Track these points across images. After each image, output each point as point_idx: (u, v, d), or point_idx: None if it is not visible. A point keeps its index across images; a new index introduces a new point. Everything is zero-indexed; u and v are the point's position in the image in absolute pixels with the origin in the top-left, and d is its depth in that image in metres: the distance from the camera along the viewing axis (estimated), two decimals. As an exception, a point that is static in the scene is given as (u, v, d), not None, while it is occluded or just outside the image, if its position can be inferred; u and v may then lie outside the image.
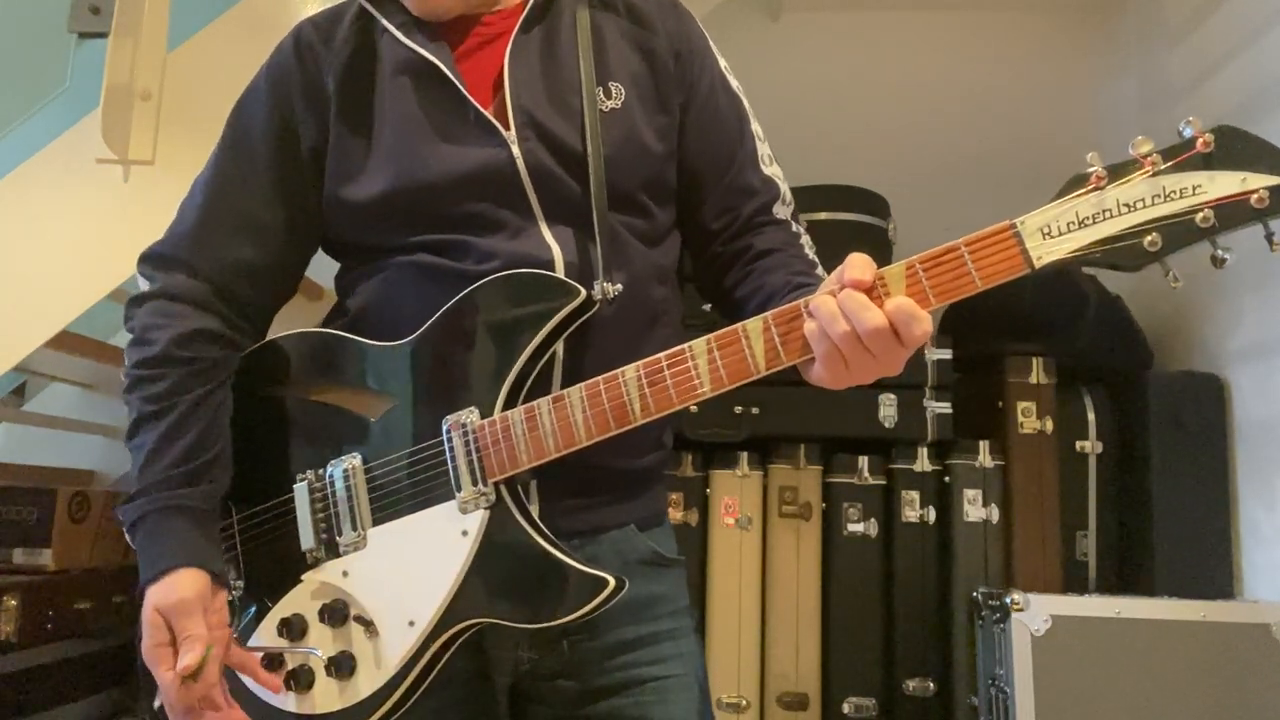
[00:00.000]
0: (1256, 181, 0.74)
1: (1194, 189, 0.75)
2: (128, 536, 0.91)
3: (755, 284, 0.97)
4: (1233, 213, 0.75)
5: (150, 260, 0.99)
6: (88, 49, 1.87)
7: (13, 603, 1.78)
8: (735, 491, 2.08)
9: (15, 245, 1.77)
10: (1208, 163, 0.75)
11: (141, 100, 1.76)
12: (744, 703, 2.00)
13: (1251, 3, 2.20)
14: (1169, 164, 0.76)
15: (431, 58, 0.96)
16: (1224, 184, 0.75)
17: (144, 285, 0.98)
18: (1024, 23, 3.07)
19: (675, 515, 2.07)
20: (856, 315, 0.77)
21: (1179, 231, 0.75)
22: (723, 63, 1.08)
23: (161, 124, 1.77)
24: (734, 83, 1.08)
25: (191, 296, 0.96)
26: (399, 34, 0.97)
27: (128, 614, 2.06)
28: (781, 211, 1.05)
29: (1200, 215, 0.75)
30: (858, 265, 0.79)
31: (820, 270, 1.00)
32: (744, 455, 2.09)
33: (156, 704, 0.86)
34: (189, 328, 0.95)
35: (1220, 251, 0.76)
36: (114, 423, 2.65)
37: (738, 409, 2.11)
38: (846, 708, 2.00)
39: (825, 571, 2.08)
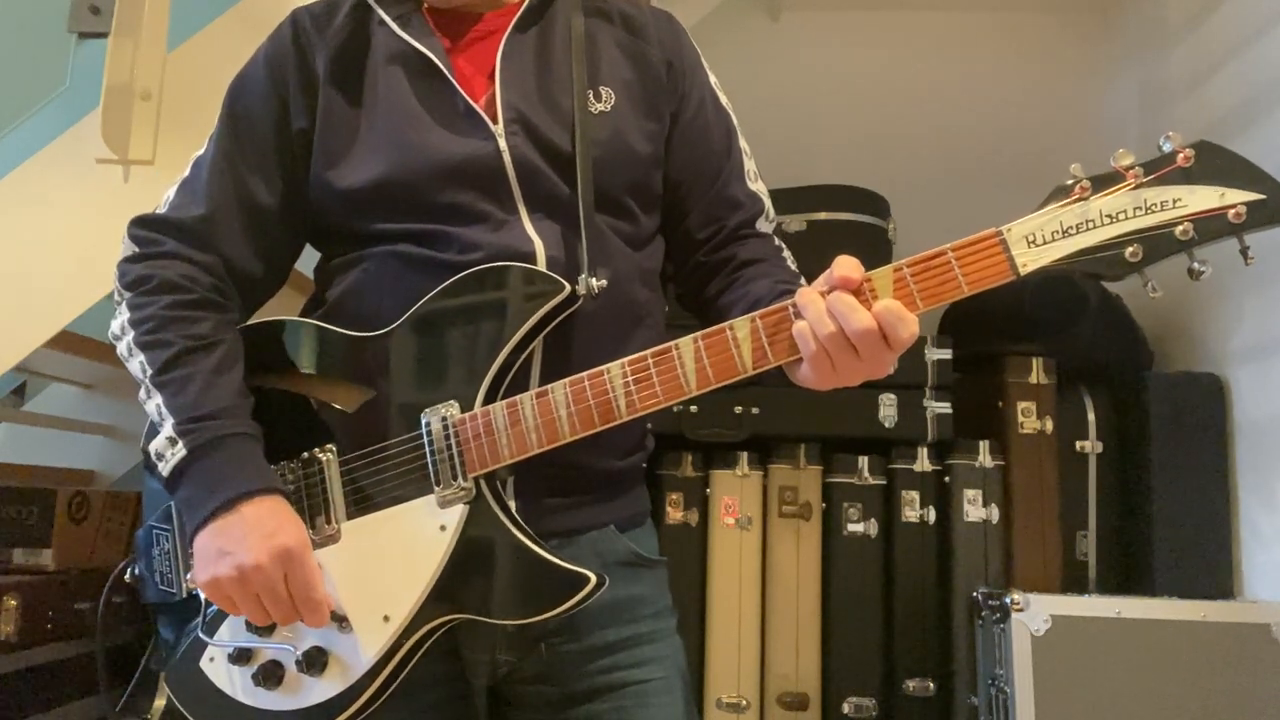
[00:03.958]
0: (1234, 197, 0.76)
1: (1174, 202, 0.77)
2: (184, 454, 0.87)
3: (740, 291, 0.98)
4: (1211, 226, 0.77)
5: (153, 225, 0.98)
6: (88, 49, 1.86)
7: (13, 603, 1.78)
8: (735, 491, 2.08)
9: (15, 245, 1.77)
10: (1188, 177, 0.77)
11: (141, 100, 1.75)
12: (744, 703, 2.00)
13: (1251, 3, 2.20)
14: (1150, 177, 0.78)
15: (425, 49, 0.97)
16: (1203, 198, 0.77)
17: (138, 248, 0.97)
18: (1024, 23, 3.07)
19: (675, 515, 2.07)
20: (845, 316, 0.77)
21: (1159, 243, 0.78)
22: (713, 78, 1.10)
23: (161, 124, 1.76)
24: (723, 99, 1.10)
25: (204, 265, 0.97)
26: (395, 26, 0.99)
27: (127, 614, 2.06)
28: (765, 226, 1.07)
29: (1180, 228, 0.77)
30: (846, 265, 0.80)
31: (803, 281, 1.00)
32: (744, 455, 2.09)
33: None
34: (215, 284, 0.97)
35: (1197, 264, 0.78)
36: (114, 423, 2.65)
37: (738, 409, 2.11)
38: (846, 708, 2.00)
39: (825, 571, 2.07)
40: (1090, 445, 2.18)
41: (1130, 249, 0.78)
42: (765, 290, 0.94)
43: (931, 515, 2.07)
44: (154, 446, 0.89)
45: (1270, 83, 2.10)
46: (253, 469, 0.87)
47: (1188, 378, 2.18)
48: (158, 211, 1.00)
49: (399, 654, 0.86)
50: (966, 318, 2.30)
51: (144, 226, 0.98)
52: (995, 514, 2.04)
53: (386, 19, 1.00)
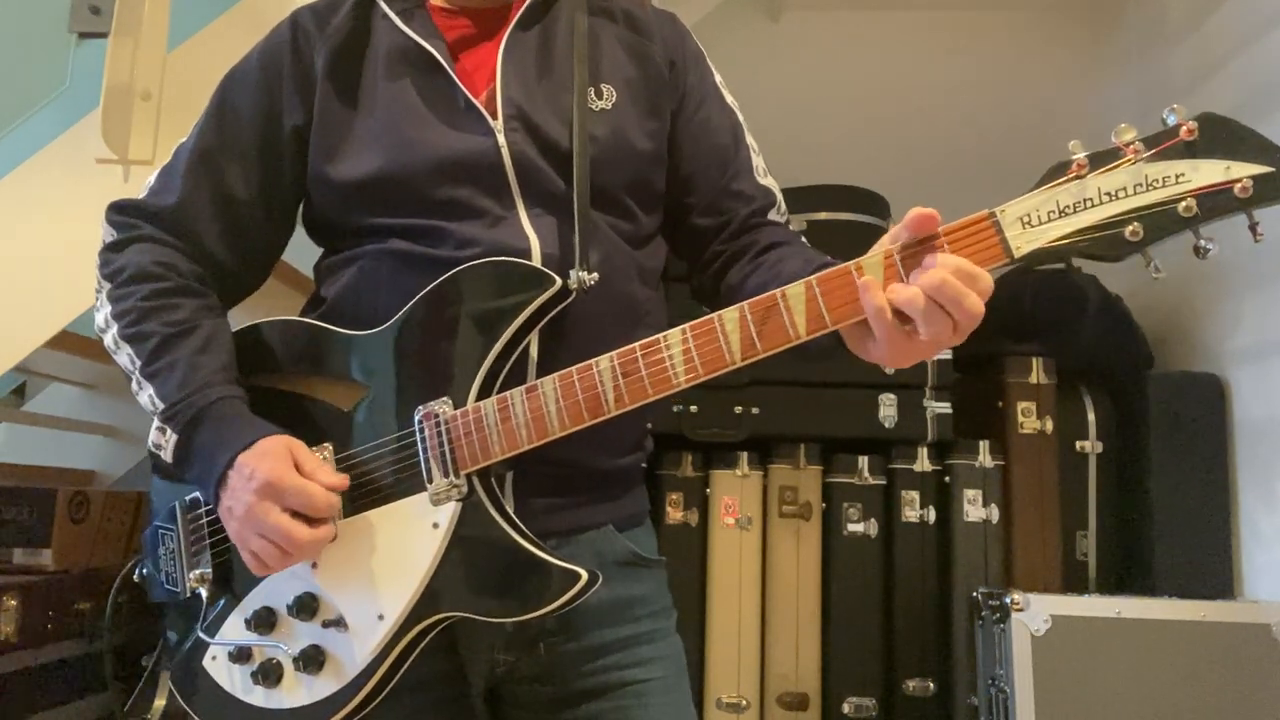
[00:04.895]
0: (1240, 170, 0.72)
1: (1177, 178, 0.73)
2: (176, 437, 0.88)
3: (771, 272, 0.95)
4: (1216, 202, 0.73)
5: (129, 211, 0.99)
6: (88, 49, 1.87)
7: (13, 603, 1.78)
8: (735, 491, 2.08)
9: (15, 245, 1.77)
10: (1191, 151, 0.73)
11: (141, 100, 1.76)
12: (744, 703, 2.00)
13: (1251, 3, 2.20)
14: (1152, 152, 0.74)
15: (426, 45, 0.97)
16: (1208, 173, 0.73)
17: (116, 233, 0.98)
18: (1024, 23, 3.07)
19: (675, 515, 2.07)
20: (958, 302, 0.74)
21: (1161, 221, 0.74)
22: (718, 78, 1.10)
23: (161, 124, 1.77)
24: (729, 97, 1.10)
25: (181, 251, 0.98)
26: (398, 20, 0.99)
27: (128, 614, 2.06)
28: (777, 217, 1.06)
29: (1183, 204, 0.73)
30: (923, 214, 0.77)
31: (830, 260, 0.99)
32: (744, 455, 2.09)
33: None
34: (194, 270, 0.97)
35: (1203, 241, 0.74)
36: (114, 423, 2.65)
37: (738, 409, 2.11)
38: (846, 708, 2.00)
39: (825, 571, 2.07)
40: (1090, 445, 2.17)
41: (1130, 228, 0.74)
42: (798, 269, 0.91)
43: (931, 515, 2.07)
44: (152, 439, 0.91)
45: (1270, 83, 2.10)
46: (234, 430, 0.88)
47: (1188, 378, 2.18)
48: (136, 196, 1.01)
49: (394, 652, 0.86)
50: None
51: (120, 212, 1.00)
52: (995, 514, 2.04)
53: (390, 13, 1.00)
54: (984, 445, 2.07)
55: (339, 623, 0.87)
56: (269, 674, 0.88)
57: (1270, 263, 1.99)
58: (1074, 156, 0.76)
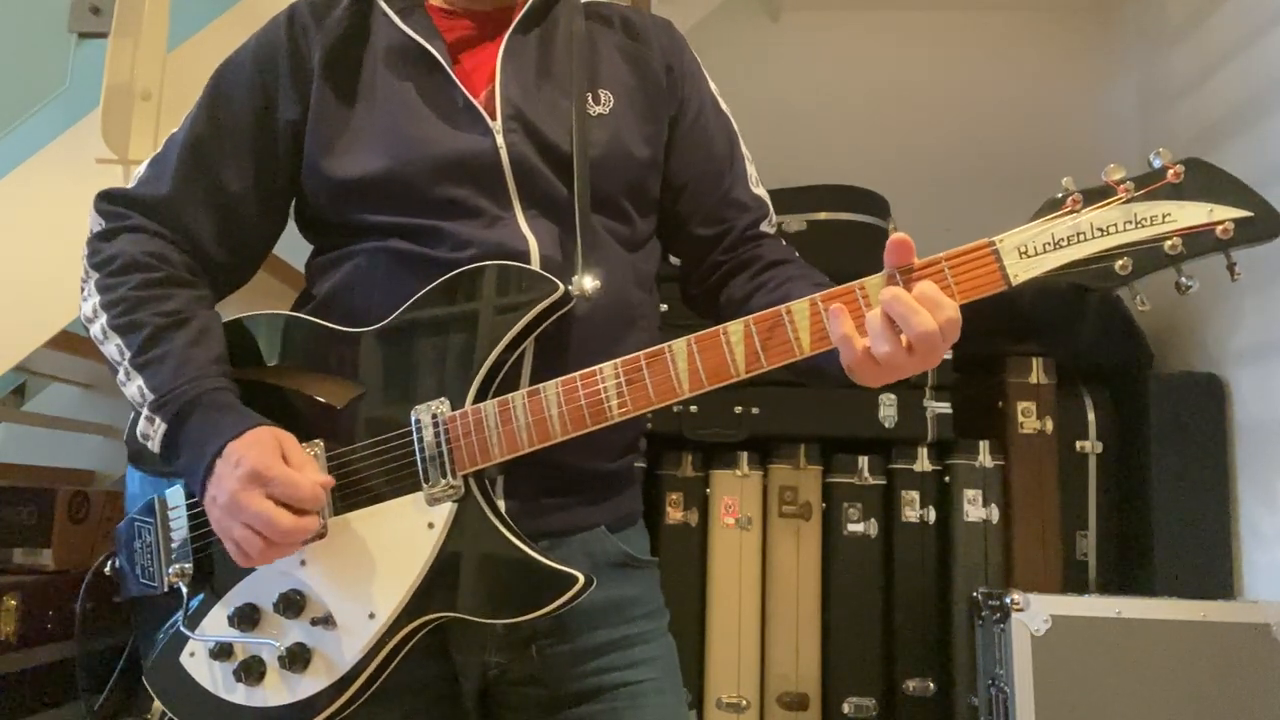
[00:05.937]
0: (1222, 213, 0.78)
1: (1164, 217, 0.79)
2: (165, 426, 0.87)
3: (780, 292, 0.96)
4: (1199, 242, 0.79)
5: (119, 200, 0.98)
6: (88, 49, 1.86)
7: (13, 603, 1.78)
8: (735, 491, 2.08)
9: (15, 245, 1.77)
10: (1178, 193, 0.79)
11: (141, 100, 1.75)
12: (744, 703, 2.00)
13: (1251, 3, 2.20)
14: (1141, 192, 0.79)
15: (425, 44, 0.97)
16: (1192, 214, 0.78)
17: (105, 223, 0.97)
18: (1024, 23, 3.07)
19: (675, 515, 2.07)
20: (907, 320, 0.78)
21: (1149, 257, 0.79)
22: (713, 86, 1.11)
23: (161, 124, 1.77)
24: (724, 106, 1.11)
25: (172, 242, 0.97)
26: (396, 19, 0.99)
27: (127, 614, 2.05)
28: (768, 228, 1.08)
29: (1169, 243, 0.79)
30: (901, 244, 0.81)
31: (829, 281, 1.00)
32: (744, 455, 2.09)
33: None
34: (184, 260, 0.97)
35: (1184, 279, 0.80)
36: (114, 423, 2.65)
37: (738, 409, 2.11)
38: (846, 708, 2.00)
39: (825, 571, 2.08)
40: (1090, 445, 2.18)
41: (1120, 262, 0.79)
42: (807, 292, 0.91)
43: (931, 515, 2.07)
44: (139, 429, 0.90)
45: (1270, 83, 2.10)
46: (224, 420, 0.87)
47: (1188, 378, 2.18)
48: (126, 187, 0.99)
49: (383, 651, 0.86)
50: (966, 318, 2.29)
51: (110, 201, 0.98)
52: (995, 514, 2.04)
53: (389, 12, 1.00)
54: (984, 445, 2.07)
55: (327, 620, 0.86)
56: (251, 671, 0.87)
57: (1270, 263, 1.99)
58: (1069, 192, 0.80)
